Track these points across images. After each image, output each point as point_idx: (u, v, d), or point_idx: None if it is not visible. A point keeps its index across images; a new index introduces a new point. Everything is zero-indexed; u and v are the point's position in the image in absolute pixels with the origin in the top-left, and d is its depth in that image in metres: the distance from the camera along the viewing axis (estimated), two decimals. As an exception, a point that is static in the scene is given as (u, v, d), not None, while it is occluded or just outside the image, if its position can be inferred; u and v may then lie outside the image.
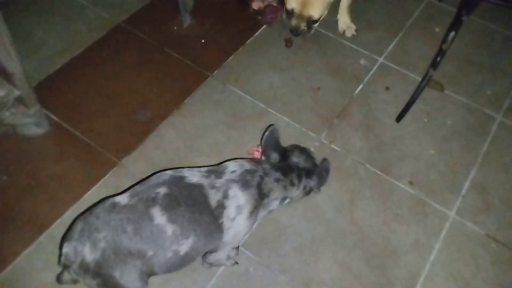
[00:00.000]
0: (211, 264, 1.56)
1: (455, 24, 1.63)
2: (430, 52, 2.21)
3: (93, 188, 1.76)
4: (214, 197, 1.31)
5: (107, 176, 1.79)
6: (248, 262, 1.63)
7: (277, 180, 1.44)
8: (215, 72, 2.15)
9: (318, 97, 2.09)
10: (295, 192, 1.51)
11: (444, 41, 1.68)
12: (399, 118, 2.01)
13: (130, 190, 1.30)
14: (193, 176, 1.34)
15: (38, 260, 1.59)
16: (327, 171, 1.56)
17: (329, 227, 1.72)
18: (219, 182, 1.34)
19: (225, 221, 1.32)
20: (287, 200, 1.52)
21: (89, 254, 1.17)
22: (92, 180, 1.77)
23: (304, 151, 1.58)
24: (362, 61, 2.24)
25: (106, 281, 1.20)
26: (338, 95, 2.10)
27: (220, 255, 1.47)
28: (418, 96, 1.94)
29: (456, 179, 1.87)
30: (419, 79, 2.09)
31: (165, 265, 1.26)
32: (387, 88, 2.14)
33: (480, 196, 1.83)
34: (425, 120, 2.05)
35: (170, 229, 1.23)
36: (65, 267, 1.22)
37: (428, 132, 2.00)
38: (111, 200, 1.26)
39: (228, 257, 1.56)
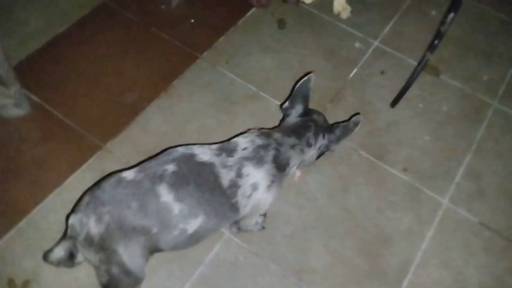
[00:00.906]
0: (239, 229, 1.56)
1: (455, 5, 1.57)
2: (426, 36, 2.15)
3: (76, 173, 1.69)
4: (226, 177, 1.27)
5: (91, 160, 1.72)
6: (238, 250, 1.59)
7: (292, 146, 1.39)
8: (205, 53, 2.07)
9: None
10: (311, 152, 1.45)
11: (442, 23, 1.62)
12: (394, 103, 1.96)
13: (139, 166, 1.26)
14: (204, 154, 1.29)
15: (18, 246, 1.54)
16: (355, 124, 1.48)
17: (321, 215, 1.68)
18: (231, 160, 1.29)
19: (240, 200, 1.29)
20: (303, 163, 1.47)
21: (94, 227, 1.16)
22: (75, 164, 1.70)
23: (322, 114, 1.55)
24: (357, 44, 2.17)
25: (108, 256, 1.18)
26: (332, 78, 2.04)
27: (249, 221, 1.46)
28: (413, 80, 1.89)
29: (450, 166, 1.84)
30: (415, 63, 2.04)
31: (171, 242, 1.24)
32: (382, 72, 2.09)
33: (474, 183, 1.80)
34: (420, 105, 2.00)
35: (177, 207, 1.20)
36: (71, 239, 1.21)
37: (423, 117, 1.96)
38: (117, 174, 1.23)
39: (256, 223, 1.56)
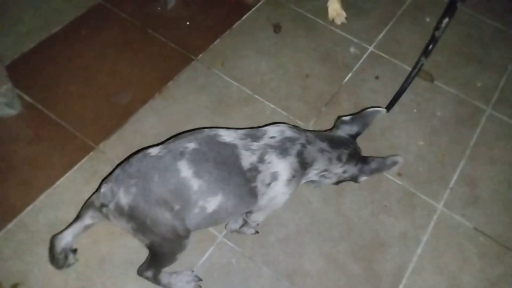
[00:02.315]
0: (236, 231, 1.57)
1: (449, 11, 1.58)
2: (420, 42, 2.17)
3: (68, 173, 1.66)
4: (247, 159, 1.26)
5: (83, 160, 1.70)
6: (231, 253, 1.57)
7: (321, 151, 1.37)
8: (200, 55, 2.06)
9: (307, 84, 2.03)
10: (337, 169, 1.42)
11: (437, 28, 1.63)
12: (388, 108, 1.96)
13: (164, 144, 1.30)
14: (228, 136, 1.29)
15: (6, 248, 1.50)
16: (394, 163, 1.44)
17: (315, 218, 1.67)
18: (255, 145, 1.29)
19: (259, 186, 1.28)
20: (325, 173, 1.42)
21: (123, 197, 1.21)
22: (67, 164, 1.68)
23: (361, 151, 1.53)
24: (352, 49, 2.18)
25: (140, 225, 1.23)
26: (327, 83, 2.04)
27: (261, 216, 1.45)
28: (408, 85, 1.89)
29: (445, 171, 1.84)
30: (409, 69, 2.04)
31: (194, 220, 1.26)
32: (377, 77, 2.09)
33: (469, 188, 1.80)
34: (415, 110, 2.00)
35: (196, 183, 1.22)
36: (103, 206, 1.26)
37: (417, 123, 1.96)
38: (144, 150, 1.28)
39: (250, 226, 1.56)
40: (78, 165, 1.69)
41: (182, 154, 1.23)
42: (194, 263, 1.53)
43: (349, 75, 2.09)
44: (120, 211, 1.22)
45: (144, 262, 1.41)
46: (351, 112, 1.94)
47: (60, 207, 1.60)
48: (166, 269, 1.43)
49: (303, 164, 1.33)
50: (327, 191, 1.73)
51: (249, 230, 1.58)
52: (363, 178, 1.48)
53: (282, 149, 1.30)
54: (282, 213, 1.66)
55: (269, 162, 1.28)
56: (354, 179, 1.49)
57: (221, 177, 1.24)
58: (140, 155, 1.26)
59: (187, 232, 1.28)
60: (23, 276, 1.46)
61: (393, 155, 1.47)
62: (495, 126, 1.99)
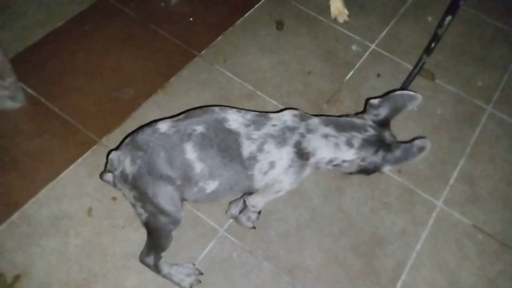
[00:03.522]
0: (234, 216, 1.60)
1: (452, 9, 1.59)
2: (422, 40, 2.17)
3: (71, 167, 1.67)
4: (247, 148, 1.28)
5: (86, 154, 1.71)
6: (232, 247, 1.58)
7: (325, 136, 1.29)
8: (203, 51, 2.07)
9: (308, 81, 2.04)
10: (350, 156, 1.30)
11: (439, 25, 1.64)
12: (389, 105, 1.96)
13: (174, 119, 1.31)
14: (234, 122, 1.31)
15: (9, 240, 1.51)
16: (421, 149, 1.26)
17: (315, 214, 1.68)
18: (256, 134, 1.30)
19: (256, 174, 1.31)
20: (336, 161, 1.32)
21: (128, 166, 1.26)
22: (70, 158, 1.69)
23: (395, 138, 1.37)
24: (354, 47, 2.19)
25: (141, 195, 1.28)
26: (329, 80, 2.05)
27: (259, 199, 1.44)
28: (409, 83, 1.91)
29: (445, 169, 1.85)
30: (410, 67, 2.06)
31: (192, 196, 1.33)
32: (378, 75, 2.10)
33: (468, 186, 1.81)
34: (415, 108, 2.00)
35: (199, 166, 1.27)
36: (109, 171, 1.33)
37: (418, 121, 1.97)
38: (154, 124, 1.31)
39: (249, 219, 1.59)
40: (81, 158, 1.70)
41: (189, 136, 1.26)
42: (196, 256, 1.55)
43: (351, 72, 2.09)
44: (124, 178, 1.28)
45: (144, 247, 1.43)
46: (352, 110, 1.96)
47: (62, 200, 1.61)
48: (167, 260, 1.44)
49: (301, 154, 1.29)
50: (327, 187, 1.74)
51: (247, 223, 1.60)
52: (386, 168, 1.33)
53: (281, 138, 1.29)
54: (282, 208, 1.68)
55: (268, 152, 1.29)
56: (377, 169, 1.34)
57: (222, 163, 1.28)
58: (150, 129, 1.29)
59: (182, 201, 1.33)
60: (25, 268, 1.47)
61: (419, 138, 1.29)
62: (495, 125, 2.00)
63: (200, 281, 1.49)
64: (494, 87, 2.13)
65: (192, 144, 1.26)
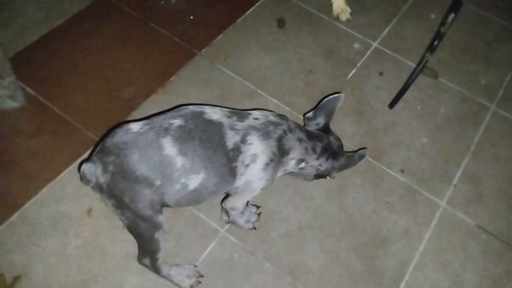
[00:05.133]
0: (229, 221, 1.56)
1: (455, 6, 1.57)
2: (424, 38, 2.16)
3: (70, 167, 1.66)
4: (231, 139, 1.26)
5: (85, 154, 1.70)
6: (233, 248, 1.56)
7: (299, 140, 1.39)
8: (203, 50, 2.05)
9: (310, 80, 2.02)
10: (312, 161, 1.44)
11: (442, 23, 1.62)
12: (392, 104, 1.95)
13: (147, 119, 1.26)
14: (214, 114, 1.28)
15: (8, 240, 1.50)
16: (360, 157, 1.45)
17: (317, 214, 1.66)
18: (240, 125, 1.29)
19: (239, 166, 1.28)
20: (302, 164, 1.44)
21: (101, 176, 1.21)
22: (70, 158, 1.68)
23: (340, 141, 1.55)
24: (356, 45, 2.17)
25: (119, 202, 1.23)
26: (330, 78, 2.03)
27: (237, 201, 1.42)
28: (412, 82, 1.89)
29: (448, 168, 1.83)
30: (413, 65, 2.04)
31: (174, 197, 1.25)
32: (381, 73, 2.08)
33: (472, 186, 1.79)
34: (418, 107, 1.99)
35: (180, 161, 1.20)
36: (86, 184, 1.26)
37: (421, 119, 1.95)
38: (125, 126, 1.24)
39: (248, 220, 1.57)
40: (80, 158, 1.68)
41: (166, 130, 1.21)
42: (196, 257, 1.53)
43: (353, 71, 2.08)
44: (100, 189, 1.23)
45: (138, 250, 1.41)
46: (354, 109, 1.94)
47: (62, 200, 1.60)
48: (167, 260, 1.43)
49: (281, 150, 1.34)
50: (329, 187, 1.73)
51: (247, 225, 1.58)
52: (335, 174, 1.51)
53: (265, 131, 1.30)
54: (284, 209, 1.66)
55: (250, 143, 1.27)
56: (329, 173, 1.51)
57: (205, 155, 1.23)
58: (120, 131, 1.22)
59: (161, 207, 1.28)
60: (25, 268, 1.46)
61: (361, 149, 1.49)
62: (499, 123, 1.98)
63: (200, 282, 1.48)
64: (497, 86, 2.10)
65: (170, 138, 1.20)
